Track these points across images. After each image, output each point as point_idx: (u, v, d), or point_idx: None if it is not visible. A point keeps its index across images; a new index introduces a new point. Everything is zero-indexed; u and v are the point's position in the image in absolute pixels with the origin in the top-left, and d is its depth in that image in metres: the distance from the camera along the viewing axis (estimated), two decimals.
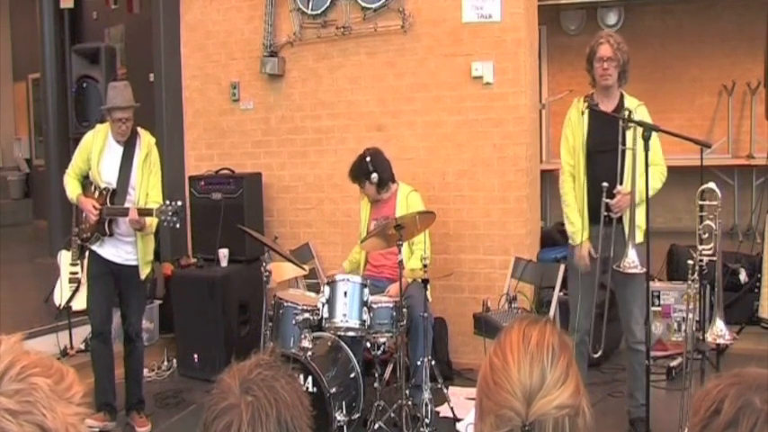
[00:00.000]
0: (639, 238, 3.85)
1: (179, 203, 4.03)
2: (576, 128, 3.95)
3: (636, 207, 3.74)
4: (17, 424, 0.92)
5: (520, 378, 1.15)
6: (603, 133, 3.82)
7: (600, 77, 3.86)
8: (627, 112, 3.69)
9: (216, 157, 6.04)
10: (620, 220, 3.82)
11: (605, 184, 3.75)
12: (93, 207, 4.10)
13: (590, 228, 3.89)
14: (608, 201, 3.77)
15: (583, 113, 3.88)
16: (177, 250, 5.91)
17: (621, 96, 3.94)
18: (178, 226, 4.12)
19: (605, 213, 3.78)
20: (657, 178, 3.81)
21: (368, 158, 4.62)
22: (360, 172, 4.64)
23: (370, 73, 5.50)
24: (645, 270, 3.70)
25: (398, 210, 4.59)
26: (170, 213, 3.99)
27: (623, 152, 3.75)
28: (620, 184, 3.79)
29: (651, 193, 3.70)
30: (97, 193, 4.18)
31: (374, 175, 4.60)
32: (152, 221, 4.13)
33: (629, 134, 3.72)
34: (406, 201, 4.65)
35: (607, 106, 3.88)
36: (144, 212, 4.04)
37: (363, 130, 5.53)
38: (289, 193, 5.84)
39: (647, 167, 3.60)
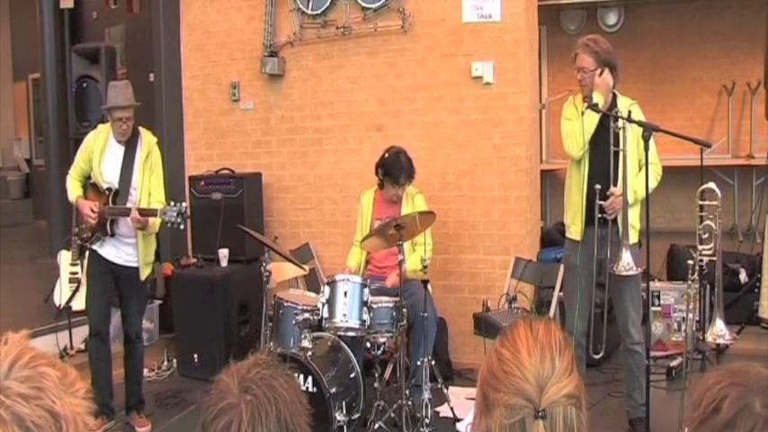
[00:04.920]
0: (634, 238, 3.85)
1: (184, 205, 4.01)
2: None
3: (629, 208, 3.74)
4: (29, 407, 0.94)
5: (532, 364, 1.18)
6: (598, 134, 3.81)
7: (580, 87, 3.90)
8: (628, 112, 3.69)
9: (216, 157, 6.04)
10: (615, 221, 3.82)
11: (598, 186, 3.75)
12: (91, 210, 4.09)
13: (587, 229, 3.89)
14: (601, 203, 3.77)
15: (582, 114, 3.88)
16: (177, 250, 5.90)
17: (614, 96, 3.93)
18: (182, 227, 4.09)
19: (599, 215, 3.78)
20: (653, 177, 3.81)
21: (410, 159, 4.61)
22: (411, 172, 4.58)
23: (370, 73, 5.50)
24: (640, 271, 3.71)
25: (404, 210, 4.56)
26: (174, 214, 3.97)
27: (616, 153, 3.75)
28: (614, 185, 3.79)
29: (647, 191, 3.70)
30: (99, 194, 4.18)
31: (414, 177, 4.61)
32: (155, 221, 4.12)
33: (621, 135, 3.71)
34: (413, 202, 4.65)
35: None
36: (148, 213, 4.03)
37: (363, 130, 5.53)
38: (289, 193, 5.84)
39: (647, 167, 3.60)
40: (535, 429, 1.14)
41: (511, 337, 1.24)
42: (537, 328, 1.24)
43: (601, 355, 4.04)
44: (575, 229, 3.97)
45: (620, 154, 3.72)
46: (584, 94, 3.89)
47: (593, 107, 3.80)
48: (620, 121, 3.67)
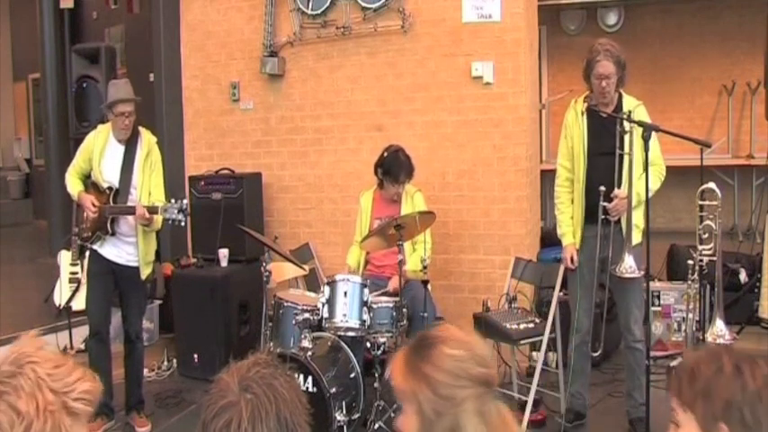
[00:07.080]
0: (638, 238, 3.85)
1: (184, 201, 4.03)
2: (573, 131, 3.94)
3: (633, 210, 3.73)
4: None
5: None
6: (602, 136, 3.81)
7: (599, 94, 3.83)
8: (627, 113, 3.68)
9: (216, 157, 6.04)
10: (618, 221, 3.82)
11: (602, 187, 3.74)
12: (93, 204, 4.10)
13: (589, 227, 3.89)
14: (605, 204, 3.76)
15: (582, 114, 3.87)
16: (177, 250, 5.91)
17: (620, 97, 3.92)
18: (183, 224, 4.10)
19: (603, 216, 3.78)
20: (656, 178, 3.81)
21: (409, 156, 4.60)
22: (410, 170, 4.57)
23: (370, 73, 5.50)
24: (642, 273, 3.71)
25: (404, 209, 4.56)
26: (176, 211, 3.98)
27: (620, 156, 3.74)
28: (618, 187, 3.78)
29: (649, 193, 3.69)
30: (100, 193, 4.19)
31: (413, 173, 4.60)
32: (157, 218, 4.12)
33: (626, 138, 3.71)
34: (412, 200, 4.64)
35: (606, 108, 3.87)
36: (149, 210, 4.04)
37: (363, 130, 5.53)
38: (289, 193, 5.84)
39: (646, 167, 3.60)
40: None
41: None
42: None
43: (599, 353, 4.04)
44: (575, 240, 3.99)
45: (626, 157, 3.71)
46: (605, 100, 3.83)
47: (594, 107, 3.80)
48: (626, 124, 3.66)
